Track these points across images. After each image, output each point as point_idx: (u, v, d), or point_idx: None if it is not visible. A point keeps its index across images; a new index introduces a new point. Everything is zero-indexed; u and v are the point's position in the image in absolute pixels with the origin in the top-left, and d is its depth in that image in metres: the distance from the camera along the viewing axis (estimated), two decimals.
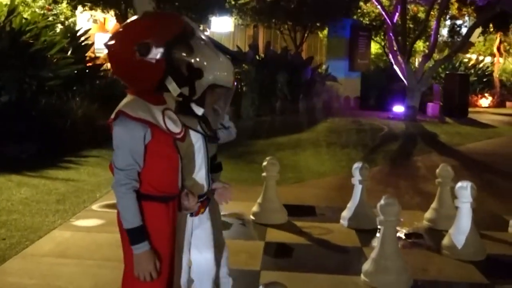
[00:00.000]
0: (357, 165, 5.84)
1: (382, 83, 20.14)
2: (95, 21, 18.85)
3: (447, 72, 21.22)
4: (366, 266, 4.41)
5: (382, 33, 22.99)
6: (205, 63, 2.58)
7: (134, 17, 2.75)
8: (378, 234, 4.66)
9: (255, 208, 5.93)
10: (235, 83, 2.93)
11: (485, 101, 23.57)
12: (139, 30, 2.57)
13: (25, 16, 11.89)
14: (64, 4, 16.89)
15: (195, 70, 2.57)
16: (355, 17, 22.63)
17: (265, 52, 18.47)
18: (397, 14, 17.08)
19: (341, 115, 16.87)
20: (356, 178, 5.80)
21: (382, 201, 4.33)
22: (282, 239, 5.39)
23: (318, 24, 22.44)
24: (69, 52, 11.62)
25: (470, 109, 19.33)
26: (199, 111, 2.69)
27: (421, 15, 22.49)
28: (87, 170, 8.04)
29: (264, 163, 5.84)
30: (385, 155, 10.62)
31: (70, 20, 17.25)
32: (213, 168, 3.02)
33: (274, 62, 17.32)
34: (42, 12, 15.22)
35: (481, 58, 27.91)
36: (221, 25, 21.96)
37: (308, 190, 7.58)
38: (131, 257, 2.58)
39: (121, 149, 2.56)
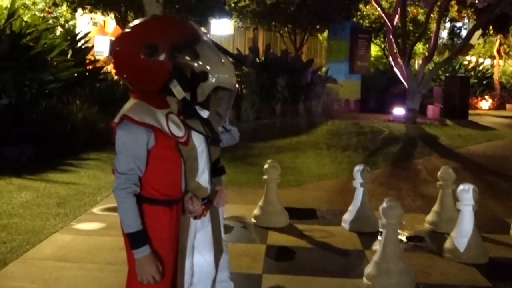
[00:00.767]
0: (358, 168, 5.82)
1: (382, 85, 20.17)
2: (95, 23, 18.90)
3: (447, 75, 21.21)
4: (368, 269, 4.40)
5: (382, 36, 23.04)
6: (209, 67, 2.59)
7: (142, 19, 2.75)
8: (380, 237, 4.64)
9: (256, 211, 5.91)
10: (237, 86, 2.93)
11: (485, 103, 23.58)
12: (147, 32, 2.57)
13: (25, 19, 11.88)
14: (64, 7, 16.94)
15: (201, 73, 2.58)
16: (355, 19, 22.68)
17: (265, 55, 18.47)
18: (397, 16, 17.07)
19: (341, 117, 16.87)
20: (358, 180, 5.78)
21: (384, 204, 4.32)
22: (284, 242, 5.37)
23: (318, 27, 22.48)
24: (69, 55, 11.62)
25: (470, 112, 19.35)
26: (204, 113, 2.69)
27: (421, 17, 22.53)
28: (88, 173, 8.03)
29: (265, 166, 5.82)
30: (385, 157, 10.60)
31: (70, 23, 17.29)
32: (216, 171, 3.01)
33: (274, 64, 17.33)
34: (42, 15, 15.27)
35: (481, 60, 27.96)
36: (221, 28, 22.00)
37: (309, 193, 7.57)
38: (134, 260, 2.57)
39: (123, 153, 2.55)
